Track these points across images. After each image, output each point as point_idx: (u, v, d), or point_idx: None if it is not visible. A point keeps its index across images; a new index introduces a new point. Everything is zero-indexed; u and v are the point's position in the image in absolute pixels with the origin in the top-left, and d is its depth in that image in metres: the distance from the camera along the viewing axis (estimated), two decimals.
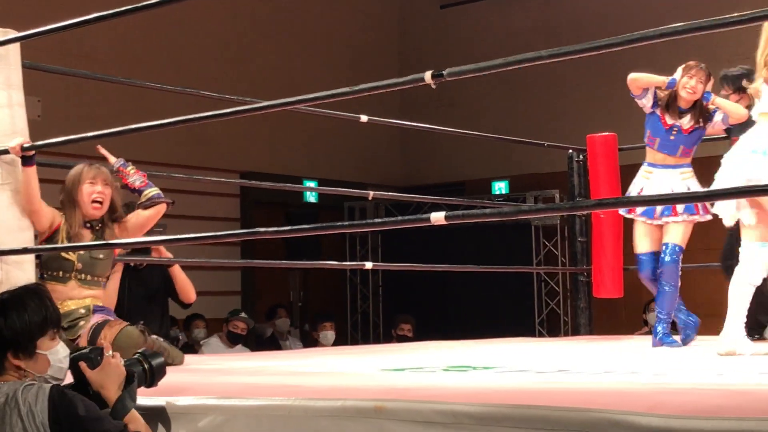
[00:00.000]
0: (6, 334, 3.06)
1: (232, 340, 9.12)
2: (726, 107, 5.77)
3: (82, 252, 4.92)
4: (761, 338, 6.16)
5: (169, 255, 6.85)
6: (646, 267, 6.00)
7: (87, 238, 4.96)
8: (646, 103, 5.86)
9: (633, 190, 6.00)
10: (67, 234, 4.95)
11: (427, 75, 3.40)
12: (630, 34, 3.22)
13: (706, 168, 5.88)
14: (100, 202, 5.00)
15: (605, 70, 11.36)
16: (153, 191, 5.18)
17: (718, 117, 5.83)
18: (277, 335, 10.67)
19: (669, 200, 5.54)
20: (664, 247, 5.84)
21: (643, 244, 5.99)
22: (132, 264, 6.62)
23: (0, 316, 3.07)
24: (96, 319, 4.83)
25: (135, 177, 5.20)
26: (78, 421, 2.90)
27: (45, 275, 4.93)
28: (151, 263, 6.74)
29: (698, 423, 2.36)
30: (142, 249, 6.73)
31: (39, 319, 3.11)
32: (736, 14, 2.94)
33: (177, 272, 6.76)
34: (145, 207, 5.17)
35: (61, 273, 4.91)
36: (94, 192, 4.99)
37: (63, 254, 4.89)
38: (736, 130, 5.65)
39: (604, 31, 9.70)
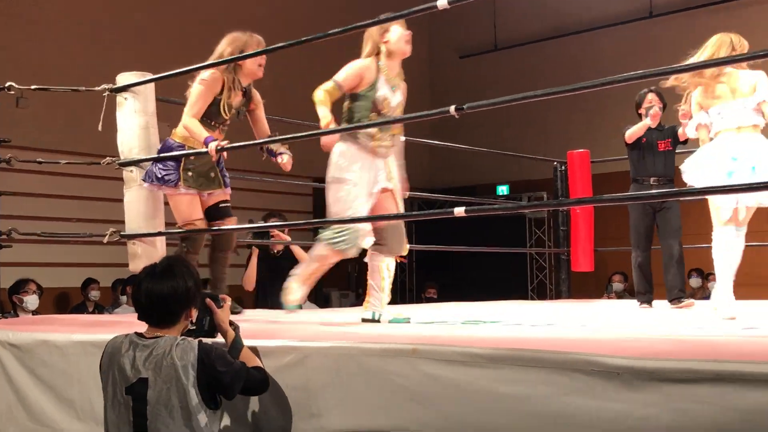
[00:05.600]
0: (192, 291, 2.89)
1: None
2: None
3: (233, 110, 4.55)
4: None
5: (287, 238, 6.60)
6: None
7: (239, 97, 4.56)
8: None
9: None
10: (229, 90, 4.48)
11: (452, 108, 3.38)
12: (601, 79, 3.17)
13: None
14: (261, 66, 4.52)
15: (584, 104, 11.33)
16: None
17: None
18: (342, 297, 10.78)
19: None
20: None
21: None
22: (271, 252, 6.45)
23: (179, 279, 2.87)
24: None
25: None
26: (218, 375, 2.79)
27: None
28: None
29: (647, 363, 2.34)
30: (263, 233, 6.41)
31: (198, 278, 2.96)
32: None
33: (298, 251, 6.43)
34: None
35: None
36: (261, 59, 4.50)
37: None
38: None
39: (580, 73, 9.65)
